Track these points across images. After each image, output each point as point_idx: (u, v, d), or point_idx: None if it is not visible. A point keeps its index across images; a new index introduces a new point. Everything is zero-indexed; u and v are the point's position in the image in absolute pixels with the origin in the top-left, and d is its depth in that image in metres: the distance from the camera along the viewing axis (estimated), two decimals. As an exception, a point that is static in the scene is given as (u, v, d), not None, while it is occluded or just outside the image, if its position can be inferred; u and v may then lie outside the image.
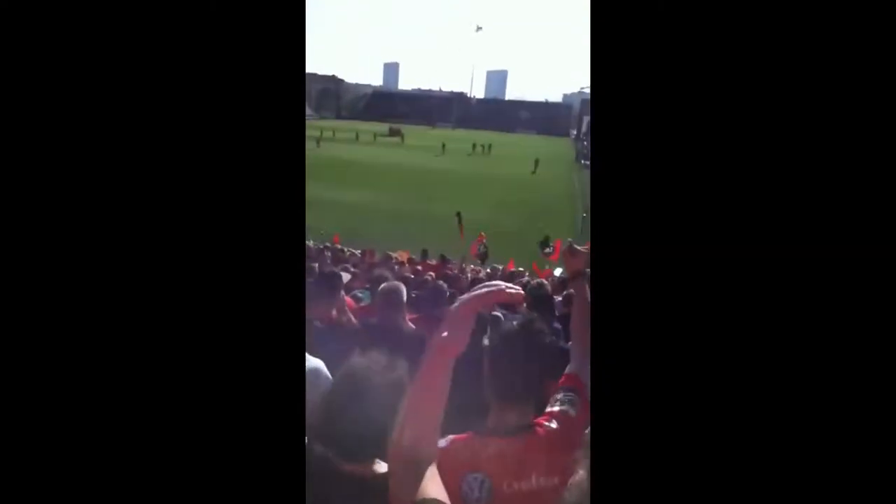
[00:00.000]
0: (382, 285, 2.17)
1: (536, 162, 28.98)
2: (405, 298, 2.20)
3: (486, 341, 1.19)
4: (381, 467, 1.03)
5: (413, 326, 2.33)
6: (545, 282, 3.91)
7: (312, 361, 1.51)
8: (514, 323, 1.17)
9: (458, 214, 9.15)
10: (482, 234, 9.49)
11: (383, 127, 49.99)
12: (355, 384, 0.98)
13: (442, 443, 1.12)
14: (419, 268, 6.41)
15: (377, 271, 3.78)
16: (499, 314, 2.28)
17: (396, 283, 2.28)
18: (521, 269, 7.58)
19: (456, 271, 6.69)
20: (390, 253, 8.02)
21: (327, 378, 1.48)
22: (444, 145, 35.74)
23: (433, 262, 7.67)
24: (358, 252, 7.98)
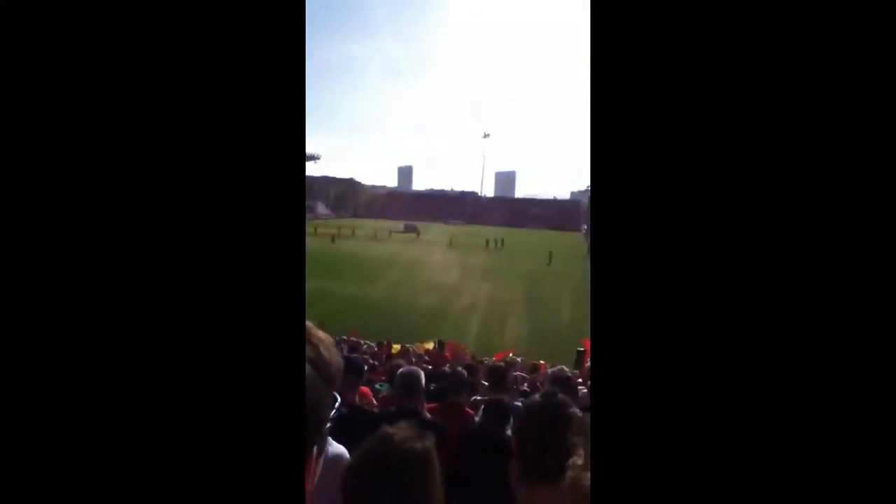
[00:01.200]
0: (400, 370, 2.16)
1: (550, 254, 29.35)
2: (423, 384, 2.18)
3: (508, 431, 1.17)
4: None
5: (429, 416, 2.28)
6: (565, 368, 3.83)
7: (336, 447, 1.48)
8: (538, 396, 1.17)
9: (440, 341, 8.36)
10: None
11: (399, 224, 51.54)
12: (384, 449, 0.98)
13: None
14: (427, 358, 6.30)
15: (395, 362, 3.76)
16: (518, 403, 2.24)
17: (414, 367, 2.27)
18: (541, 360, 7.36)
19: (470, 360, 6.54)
20: (409, 346, 7.92)
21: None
22: (451, 240, 36.63)
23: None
24: (374, 345, 7.91)
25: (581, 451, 0.58)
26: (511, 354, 7.36)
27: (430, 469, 0.98)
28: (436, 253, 30.97)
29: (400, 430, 1.03)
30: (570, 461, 0.58)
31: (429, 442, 1.01)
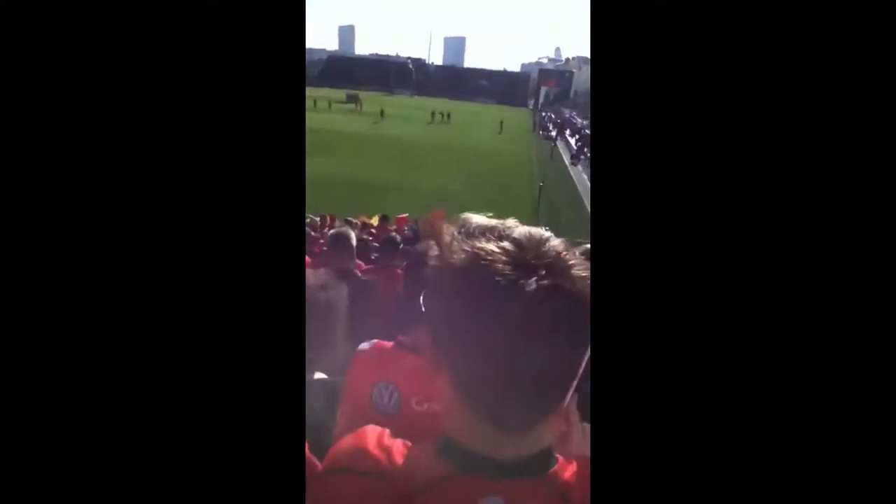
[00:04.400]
0: (331, 231, 2.29)
1: (501, 123, 29.67)
2: (354, 244, 2.34)
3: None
4: (314, 375, 1.13)
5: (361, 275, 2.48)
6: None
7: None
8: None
9: (384, 216, 8.49)
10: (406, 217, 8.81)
11: (340, 94, 48.12)
12: None
13: (364, 345, 1.22)
14: (373, 231, 6.51)
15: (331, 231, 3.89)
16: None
17: (345, 228, 2.41)
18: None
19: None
20: (350, 218, 8.02)
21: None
22: (382, 112, 35.12)
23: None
24: (317, 218, 7.95)
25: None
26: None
27: (330, 316, 1.09)
28: (378, 126, 29.76)
29: (311, 278, 1.13)
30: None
31: (334, 292, 1.12)
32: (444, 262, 0.48)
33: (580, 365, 0.50)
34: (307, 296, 1.07)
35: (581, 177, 19.91)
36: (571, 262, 0.47)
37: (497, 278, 0.44)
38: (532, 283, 0.44)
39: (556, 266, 0.46)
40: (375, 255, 3.74)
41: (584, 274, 0.47)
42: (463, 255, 0.46)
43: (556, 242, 0.48)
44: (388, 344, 1.21)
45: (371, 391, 1.12)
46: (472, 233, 0.48)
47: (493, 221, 0.50)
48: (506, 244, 0.46)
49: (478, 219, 0.51)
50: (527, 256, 0.45)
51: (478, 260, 0.45)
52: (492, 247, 0.46)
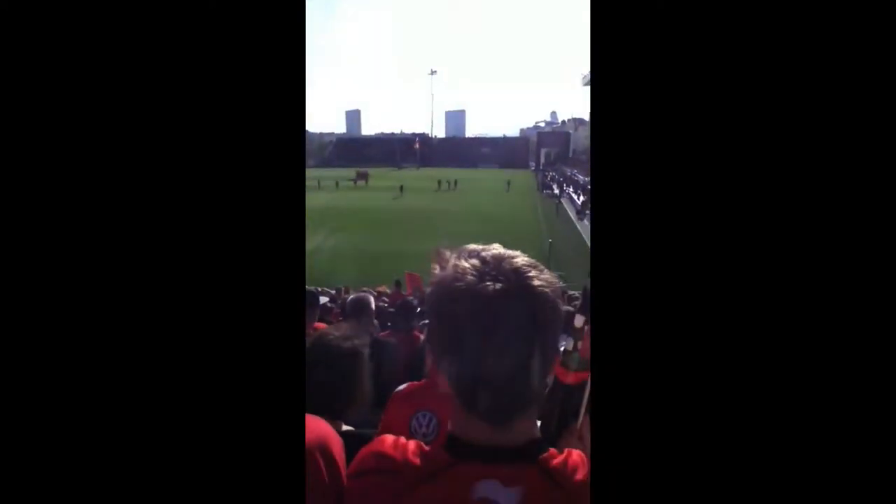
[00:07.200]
0: (350, 297, 2.41)
1: (508, 183, 32.25)
2: (374, 308, 2.46)
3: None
4: (342, 427, 1.13)
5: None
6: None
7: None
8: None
9: (397, 281, 8.52)
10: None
11: (350, 172, 49.22)
12: (317, 342, 1.13)
13: (401, 387, 1.32)
14: (385, 298, 6.60)
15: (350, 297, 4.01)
16: None
17: (364, 293, 2.53)
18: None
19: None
20: (365, 289, 8.14)
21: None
22: (402, 187, 34.96)
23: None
24: (332, 291, 8.12)
25: None
26: None
27: (356, 364, 1.12)
28: (384, 199, 30.55)
29: (335, 330, 1.19)
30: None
31: (358, 342, 1.15)
32: (435, 279, 0.58)
33: (547, 365, 0.57)
34: (332, 349, 1.12)
35: (587, 230, 20.09)
36: (529, 275, 0.54)
37: (458, 283, 0.53)
38: (488, 288, 0.52)
39: (513, 277, 0.54)
40: (390, 322, 3.78)
41: (537, 283, 0.54)
42: (446, 272, 0.56)
43: (519, 260, 0.56)
44: (420, 382, 1.29)
45: (409, 423, 1.17)
46: (459, 256, 0.57)
47: (481, 246, 0.58)
48: (475, 261, 0.55)
49: (472, 246, 0.59)
50: (487, 269, 0.54)
51: (454, 274, 0.55)
52: (465, 263, 0.55)
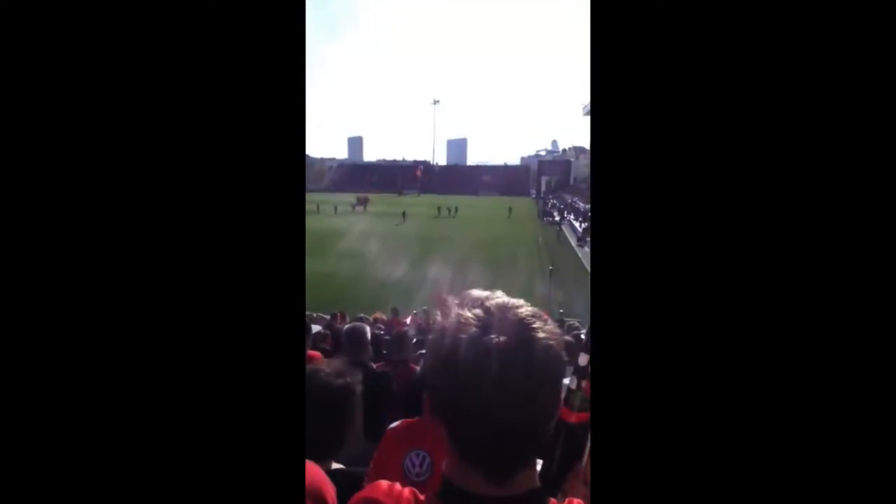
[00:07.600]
0: (346, 326, 2.37)
1: (510, 209, 33.13)
2: (369, 338, 2.40)
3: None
4: (331, 466, 1.10)
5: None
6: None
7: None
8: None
9: (394, 309, 8.31)
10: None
11: (351, 197, 49.68)
12: (310, 386, 1.09)
13: (395, 423, 1.30)
14: (381, 325, 6.54)
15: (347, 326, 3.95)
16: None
17: (360, 323, 2.49)
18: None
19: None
20: (362, 315, 8.06)
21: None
22: (404, 213, 35.06)
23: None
24: (327, 316, 8.03)
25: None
26: None
27: (347, 403, 1.10)
28: (384, 224, 30.69)
29: (326, 367, 1.16)
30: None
31: (351, 379, 1.12)
32: (436, 327, 0.56)
33: (549, 419, 0.55)
34: (323, 387, 1.09)
35: (588, 257, 20.13)
36: (534, 326, 0.53)
37: (461, 336, 0.52)
38: (491, 340, 0.51)
39: (517, 328, 0.52)
40: (385, 350, 3.74)
41: (541, 335, 0.53)
42: (449, 321, 0.54)
43: (523, 311, 0.54)
44: (412, 420, 1.26)
45: (403, 462, 1.14)
46: (463, 303, 0.56)
47: (485, 294, 0.57)
48: (478, 311, 0.54)
49: (476, 293, 0.58)
50: (492, 320, 0.53)
51: (457, 324, 0.53)
52: (468, 314, 0.54)
